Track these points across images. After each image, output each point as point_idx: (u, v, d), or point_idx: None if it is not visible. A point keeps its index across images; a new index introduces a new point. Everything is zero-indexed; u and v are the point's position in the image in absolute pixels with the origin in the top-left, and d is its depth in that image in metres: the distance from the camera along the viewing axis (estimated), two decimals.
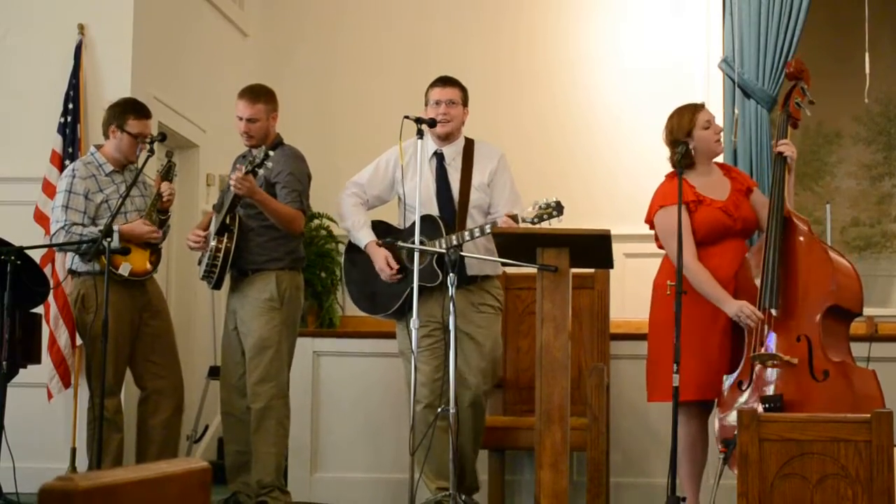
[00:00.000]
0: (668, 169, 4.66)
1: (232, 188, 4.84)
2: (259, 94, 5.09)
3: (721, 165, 4.81)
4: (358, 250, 4.96)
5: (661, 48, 7.37)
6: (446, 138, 4.90)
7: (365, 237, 4.90)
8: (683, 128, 4.57)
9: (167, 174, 5.15)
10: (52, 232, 5.07)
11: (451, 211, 4.83)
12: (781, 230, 4.35)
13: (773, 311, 4.28)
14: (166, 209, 5.15)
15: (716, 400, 4.46)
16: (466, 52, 7.35)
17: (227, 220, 4.99)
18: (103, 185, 5.09)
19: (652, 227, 4.62)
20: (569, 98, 7.43)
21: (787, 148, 4.52)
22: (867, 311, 5.35)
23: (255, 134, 5.07)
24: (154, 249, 5.09)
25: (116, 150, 5.13)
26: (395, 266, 4.79)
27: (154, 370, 5.13)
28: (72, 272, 5.17)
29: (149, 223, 5.03)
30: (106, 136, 5.17)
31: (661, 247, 4.64)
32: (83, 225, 4.98)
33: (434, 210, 4.80)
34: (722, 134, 4.69)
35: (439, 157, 4.92)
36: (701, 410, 4.55)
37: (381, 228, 4.94)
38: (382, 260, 4.82)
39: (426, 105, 4.91)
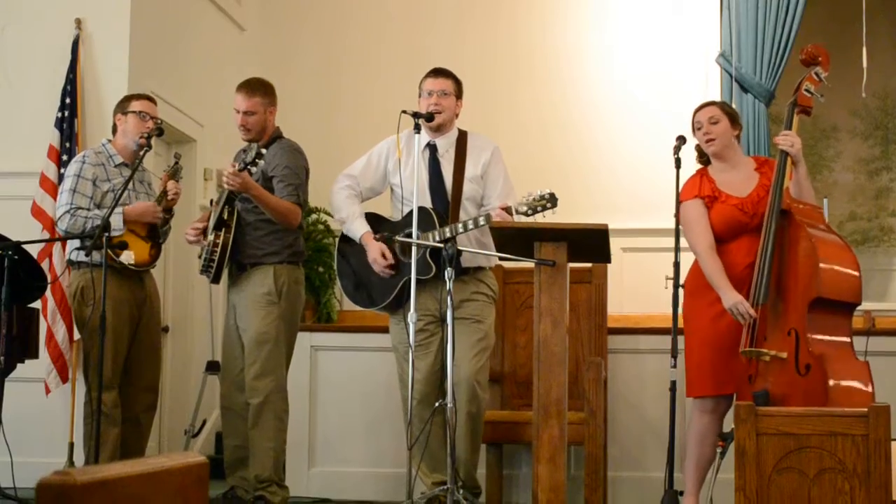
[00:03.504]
0: (667, 163, 4.72)
1: (225, 185, 4.84)
2: (256, 88, 5.08)
3: (757, 159, 4.78)
4: (350, 243, 4.94)
5: (658, 42, 7.37)
6: (438, 129, 4.88)
7: (360, 228, 4.88)
8: (692, 127, 4.67)
9: (174, 174, 5.17)
10: (57, 215, 5.09)
11: (445, 203, 4.80)
12: (777, 224, 4.33)
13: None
14: (170, 208, 5.15)
15: (735, 395, 4.44)
16: (465, 45, 7.35)
17: (225, 215, 4.99)
18: (111, 176, 5.10)
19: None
20: (566, 92, 7.42)
21: (785, 140, 4.41)
22: (865, 305, 5.34)
23: (251, 127, 5.06)
24: (154, 243, 5.10)
25: (123, 135, 5.14)
26: (390, 260, 4.77)
27: (134, 366, 5.10)
28: (70, 263, 5.17)
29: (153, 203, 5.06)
30: (115, 132, 5.20)
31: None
32: (88, 209, 4.99)
33: (427, 202, 4.77)
34: (714, 132, 4.55)
35: (432, 148, 4.89)
36: (716, 405, 4.54)
37: (372, 220, 4.91)
38: (377, 252, 4.78)
39: (420, 96, 4.90)
